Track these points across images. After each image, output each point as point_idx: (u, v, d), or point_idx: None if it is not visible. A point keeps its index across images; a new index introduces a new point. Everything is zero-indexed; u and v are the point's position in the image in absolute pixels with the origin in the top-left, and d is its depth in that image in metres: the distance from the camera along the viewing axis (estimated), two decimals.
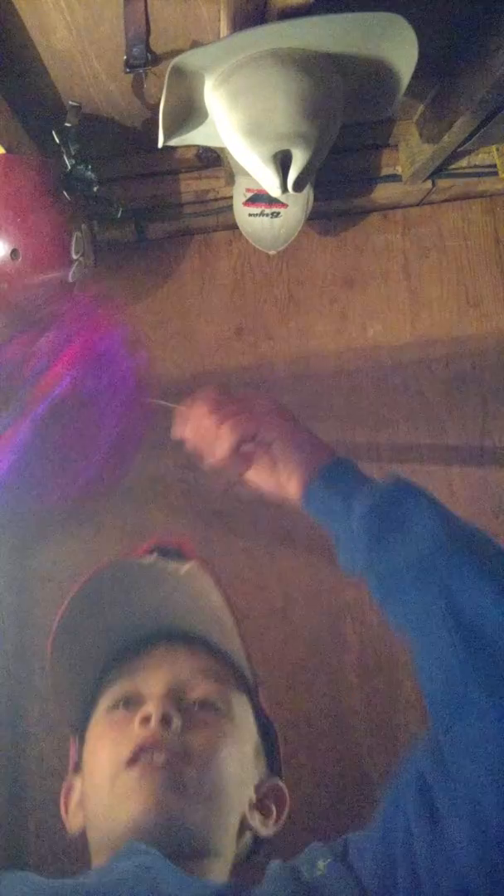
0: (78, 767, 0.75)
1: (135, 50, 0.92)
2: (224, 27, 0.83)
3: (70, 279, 1.06)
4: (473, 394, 1.31)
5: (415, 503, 0.61)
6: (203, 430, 0.69)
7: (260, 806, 0.72)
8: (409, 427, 1.31)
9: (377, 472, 1.33)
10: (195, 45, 0.93)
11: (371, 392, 1.33)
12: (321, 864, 0.58)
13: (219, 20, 0.85)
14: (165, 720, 0.66)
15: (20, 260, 1.00)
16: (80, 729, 0.75)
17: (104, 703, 0.72)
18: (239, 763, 0.70)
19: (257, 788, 0.73)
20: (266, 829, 0.72)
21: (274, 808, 0.74)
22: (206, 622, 0.75)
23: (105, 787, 0.65)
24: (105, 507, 1.30)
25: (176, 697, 0.69)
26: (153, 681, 0.71)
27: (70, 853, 1.19)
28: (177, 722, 0.66)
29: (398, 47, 0.86)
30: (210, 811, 0.65)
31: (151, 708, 0.67)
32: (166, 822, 0.61)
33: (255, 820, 0.71)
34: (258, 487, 0.70)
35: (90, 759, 0.70)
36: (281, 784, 0.75)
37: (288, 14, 0.79)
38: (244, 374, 1.34)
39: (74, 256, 1.05)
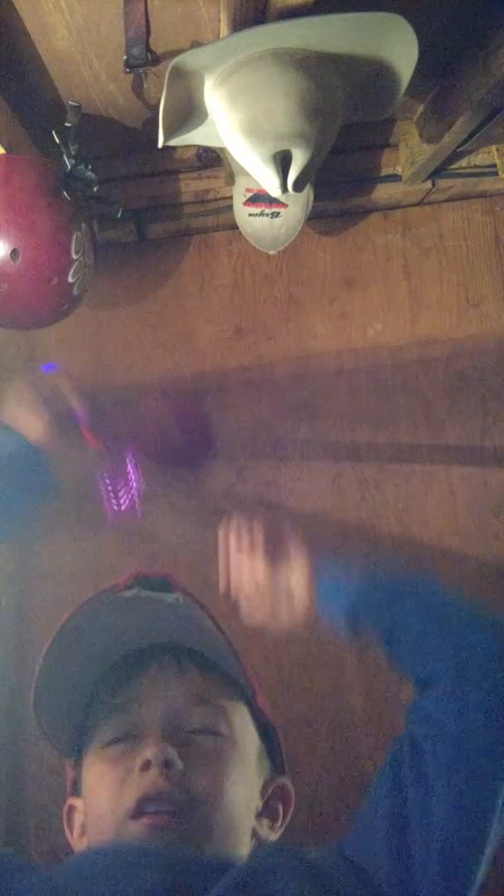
0: (77, 791, 0.73)
1: (135, 50, 0.92)
2: (224, 27, 0.83)
3: (70, 279, 1.06)
4: (473, 394, 1.31)
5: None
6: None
7: (267, 811, 0.71)
8: (409, 427, 1.31)
9: (377, 472, 1.34)
10: (195, 45, 0.93)
11: (371, 392, 1.33)
12: (313, 852, 0.59)
13: (219, 20, 0.85)
14: (167, 765, 0.63)
15: (20, 260, 1.00)
16: (74, 755, 0.73)
17: (99, 736, 0.69)
18: (245, 783, 0.69)
19: (262, 793, 0.72)
20: (274, 832, 0.71)
21: (280, 809, 0.73)
22: (195, 640, 0.73)
23: (110, 837, 0.63)
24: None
25: (173, 730, 0.67)
26: (149, 714, 0.68)
27: (70, 853, 1.19)
28: (178, 765, 0.64)
29: (398, 47, 0.86)
30: (223, 843, 0.64)
31: (150, 752, 0.64)
32: (179, 867, 0.60)
33: (264, 827, 0.70)
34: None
35: (91, 795, 0.68)
36: (285, 782, 0.74)
37: (288, 14, 0.79)
38: (244, 374, 1.34)
39: (74, 256, 1.05)
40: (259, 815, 0.70)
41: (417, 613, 0.69)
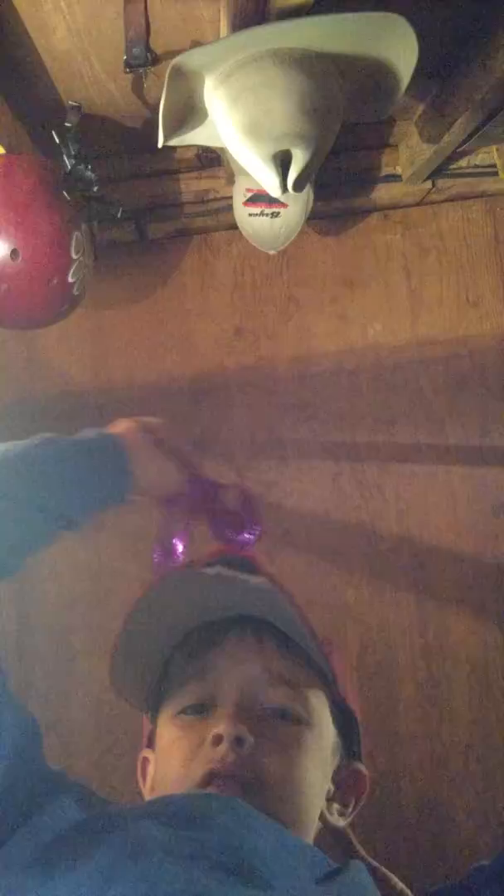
0: (152, 744, 0.73)
1: (135, 50, 0.92)
2: (224, 27, 0.83)
3: (70, 279, 1.06)
4: (473, 394, 1.31)
5: None
6: None
7: (338, 796, 0.70)
8: (409, 427, 1.31)
9: (377, 472, 1.34)
10: (195, 45, 0.93)
11: (371, 392, 1.33)
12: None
13: (219, 20, 0.85)
14: (238, 742, 0.62)
15: (20, 260, 1.00)
16: (151, 711, 0.73)
17: (175, 700, 0.69)
18: (318, 768, 0.67)
19: (335, 777, 0.70)
20: (343, 818, 0.71)
21: (353, 797, 0.72)
22: (276, 617, 0.71)
23: None
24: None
25: (249, 705, 0.66)
26: (226, 685, 0.67)
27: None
28: (250, 743, 0.62)
29: (398, 47, 0.86)
30: (290, 828, 0.63)
31: (222, 728, 0.63)
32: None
33: (333, 812, 0.69)
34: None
35: (163, 758, 0.68)
36: (360, 767, 0.73)
37: (288, 14, 0.79)
38: (244, 374, 1.34)
39: (74, 256, 1.05)
40: (330, 800, 0.69)
41: None
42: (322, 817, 0.68)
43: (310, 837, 0.66)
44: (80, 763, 1.23)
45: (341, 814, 0.70)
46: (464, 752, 1.20)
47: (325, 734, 0.70)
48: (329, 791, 0.69)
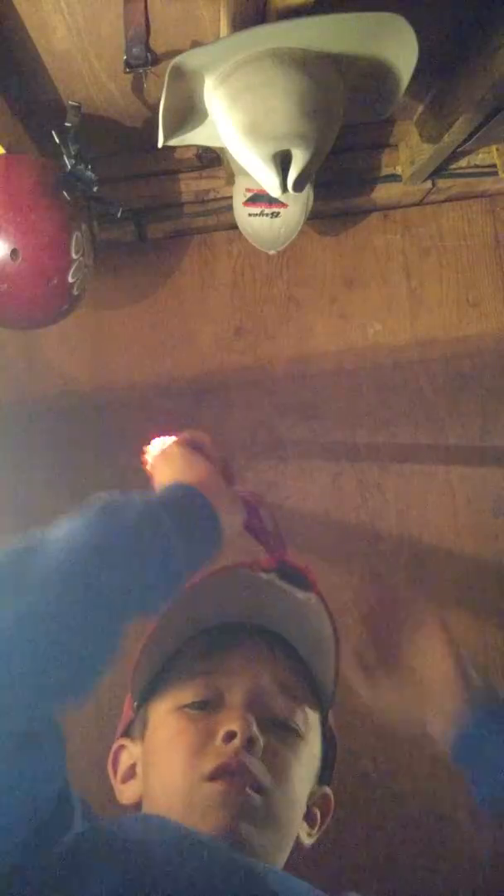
0: (133, 733, 0.73)
1: (135, 50, 0.92)
2: (224, 27, 0.83)
3: (70, 279, 1.06)
4: (473, 394, 1.31)
5: None
6: None
7: (308, 816, 0.72)
8: (409, 427, 1.31)
9: (377, 472, 1.34)
10: (195, 45, 0.92)
11: (371, 392, 1.33)
12: None
13: (219, 20, 0.85)
14: (250, 742, 0.64)
15: (20, 260, 1.00)
16: (143, 697, 0.73)
17: (181, 693, 0.69)
18: (305, 784, 0.70)
19: (309, 798, 0.72)
20: (310, 838, 0.72)
21: (319, 816, 0.73)
22: (298, 637, 0.73)
23: (181, 795, 0.63)
24: None
25: (256, 709, 0.67)
26: (235, 687, 0.68)
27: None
28: (260, 745, 0.64)
29: (398, 47, 0.86)
30: (277, 837, 0.65)
31: (236, 725, 0.64)
32: (237, 846, 0.60)
33: (303, 831, 0.70)
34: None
35: (163, 750, 0.68)
36: (328, 792, 0.75)
37: (288, 14, 0.79)
38: (244, 374, 1.34)
39: (74, 256, 1.05)
40: (301, 820, 0.70)
41: None
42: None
43: (287, 851, 0.67)
44: (81, 763, 1.22)
45: (309, 833, 0.72)
46: None
47: (314, 751, 0.72)
48: (303, 812, 0.70)
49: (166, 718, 0.69)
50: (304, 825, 0.71)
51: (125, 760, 0.73)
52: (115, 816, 0.62)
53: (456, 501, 1.29)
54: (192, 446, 0.69)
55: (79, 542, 0.53)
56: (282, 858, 0.66)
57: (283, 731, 0.68)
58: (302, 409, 1.33)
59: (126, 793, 0.72)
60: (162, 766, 0.67)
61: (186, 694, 0.69)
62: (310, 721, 0.71)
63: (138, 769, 0.71)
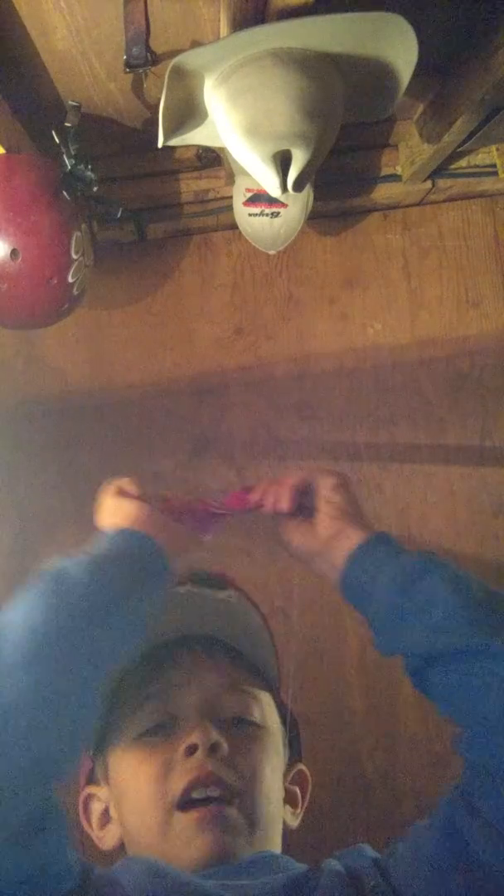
0: (97, 779, 0.72)
1: (135, 50, 0.92)
2: (224, 27, 0.83)
3: (70, 279, 1.06)
4: (473, 394, 1.31)
5: (431, 584, 0.59)
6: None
7: (289, 797, 0.71)
8: (409, 427, 1.31)
9: (377, 473, 1.34)
10: (195, 45, 0.92)
11: (371, 392, 1.33)
12: (368, 883, 0.58)
13: (219, 20, 0.85)
14: (214, 749, 0.63)
15: (20, 260, 1.00)
16: (98, 743, 0.72)
17: (130, 728, 0.68)
18: (277, 772, 0.69)
19: (284, 779, 0.72)
20: (295, 819, 0.72)
21: (299, 795, 0.73)
22: (229, 633, 0.73)
23: (156, 829, 0.62)
24: None
25: (210, 715, 0.67)
26: (185, 703, 0.68)
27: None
28: (224, 748, 0.64)
29: (398, 47, 0.86)
30: (268, 833, 0.65)
31: (195, 737, 0.64)
32: (229, 860, 0.60)
33: (287, 814, 0.70)
34: (295, 548, 0.69)
35: (128, 788, 0.67)
36: (302, 767, 0.75)
37: (288, 14, 0.79)
38: (244, 374, 1.34)
39: (74, 256, 1.05)
40: (284, 802, 0.70)
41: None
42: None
43: (279, 835, 0.67)
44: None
45: (293, 814, 0.72)
46: None
47: (277, 735, 0.72)
48: (283, 796, 0.71)
49: (124, 755, 0.68)
50: (287, 808, 0.71)
51: (96, 808, 0.72)
52: (107, 868, 0.60)
53: (456, 501, 1.29)
54: (121, 493, 0.68)
55: (37, 620, 0.52)
56: (276, 845, 0.66)
57: (242, 727, 0.68)
58: (302, 409, 1.33)
59: (106, 839, 0.71)
60: (132, 803, 0.66)
61: (138, 724, 0.68)
62: (264, 707, 0.71)
63: (112, 813, 0.70)
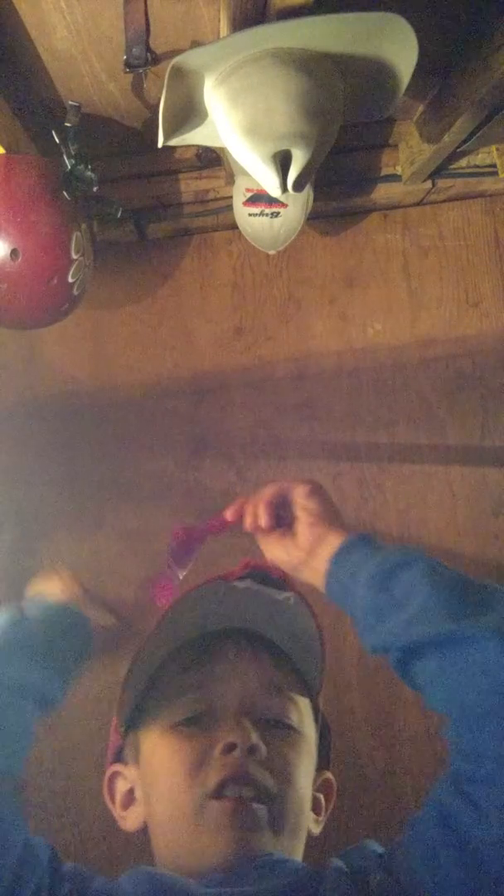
0: (125, 758, 0.73)
1: (135, 50, 0.92)
2: (224, 27, 0.83)
3: (70, 279, 1.06)
4: (473, 394, 1.31)
5: (408, 578, 0.60)
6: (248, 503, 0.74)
7: (314, 804, 0.71)
8: (409, 427, 1.31)
9: (377, 472, 1.34)
10: (195, 45, 0.92)
11: (371, 392, 1.33)
12: (373, 880, 0.58)
13: (219, 20, 0.85)
14: (252, 750, 0.64)
15: (20, 260, 1.00)
16: (130, 721, 0.72)
17: (171, 712, 0.68)
18: (308, 777, 0.69)
19: (313, 786, 0.72)
20: (317, 826, 0.72)
21: (323, 802, 0.73)
22: (278, 634, 0.73)
23: (188, 817, 0.63)
24: (106, 507, 1.30)
25: (249, 714, 0.67)
26: (225, 697, 0.68)
27: (70, 853, 1.19)
28: (263, 750, 0.64)
29: (398, 47, 0.86)
30: (293, 839, 0.65)
31: (235, 736, 0.64)
32: (256, 859, 0.60)
33: (310, 820, 0.70)
34: (280, 563, 0.72)
35: (161, 772, 0.67)
36: (329, 776, 0.75)
37: (288, 14, 0.79)
38: (244, 374, 1.34)
39: (74, 256, 1.05)
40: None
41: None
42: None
43: (302, 843, 0.67)
44: (80, 764, 1.23)
45: (316, 821, 0.72)
46: None
47: (311, 742, 0.71)
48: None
49: (160, 740, 0.68)
50: (311, 815, 0.70)
51: (121, 787, 0.72)
52: (111, 880, 0.61)
53: (456, 501, 1.29)
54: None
55: None
56: (298, 852, 0.66)
57: (280, 730, 0.68)
58: (302, 409, 1.33)
59: (128, 819, 0.71)
60: (163, 789, 0.66)
61: (176, 712, 0.68)
62: (302, 711, 0.71)
63: (137, 794, 0.71)
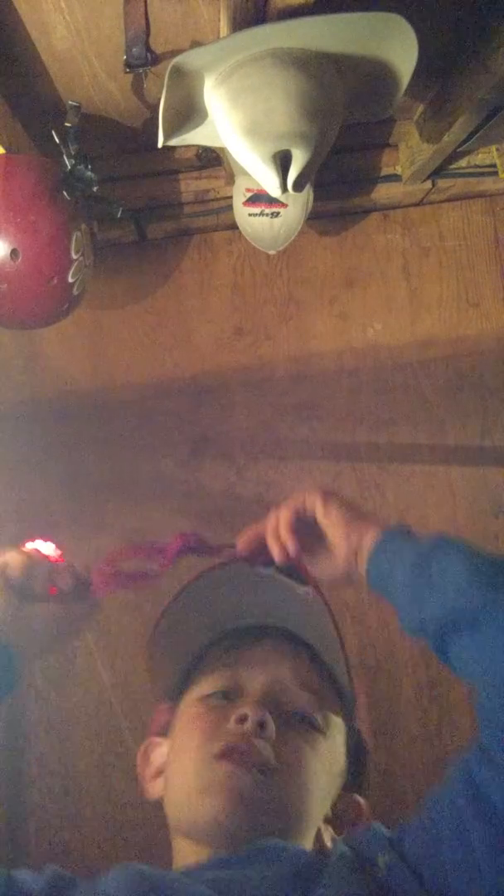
0: (163, 731, 0.75)
1: (135, 50, 0.92)
2: (224, 27, 0.83)
3: (70, 279, 1.06)
4: (473, 394, 1.31)
5: (445, 560, 0.61)
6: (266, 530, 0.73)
7: (334, 822, 0.72)
8: (409, 427, 1.31)
9: (377, 472, 1.34)
10: (195, 45, 0.92)
11: (371, 392, 1.33)
12: (381, 860, 0.58)
13: (219, 20, 0.85)
14: (261, 725, 0.65)
15: (20, 260, 1.00)
16: (173, 697, 0.76)
17: (203, 685, 0.72)
18: (325, 782, 0.70)
19: (335, 803, 0.72)
20: (332, 844, 0.71)
21: (347, 826, 0.72)
22: (314, 635, 0.75)
23: (191, 774, 0.65)
24: (106, 507, 1.30)
25: (274, 702, 0.69)
26: (255, 679, 0.71)
27: (70, 853, 1.19)
28: (272, 729, 0.66)
29: (398, 47, 0.86)
30: (289, 825, 0.65)
31: (249, 709, 0.66)
32: (247, 828, 0.62)
33: (327, 835, 0.70)
34: (319, 574, 0.72)
35: (180, 736, 0.71)
36: (360, 800, 0.75)
37: (288, 14, 0.79)
38: (244, 374, 1.34)
39: (74, 256, 1.05)
40: (326, 821, 0.71)
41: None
42: (318, 837, 0.69)
43: (308, 840, 0.67)
44: (81, 763, 1.23)
45: (332, 838, 0.71)
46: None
47: (336, 753, 0.72)
48: (327, 814, 0.71)
49: (188, 709, 0.72)
50: (329, 828, 0.70)
51: (155, 759, 0.75)
52: (90, 880, 0.61)
53: (456, 501, 1.29)
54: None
55: None
56: (304, 846, 0.67)
57: (301, 724, 0.69)
58: (302, 409, 1.33)
59: (152, 789, 0.74)
60: (179, 750, 0.70)
61: (207, 686, 0.72)
62: (331, 720, 0.72)
63: (164, 766, 0.73)
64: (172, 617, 0.76)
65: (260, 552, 0.72)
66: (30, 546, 0.75)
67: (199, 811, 0.63)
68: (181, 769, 0.68)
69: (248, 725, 0.65)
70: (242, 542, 0.73)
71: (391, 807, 1.20)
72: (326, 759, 0.70)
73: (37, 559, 0.73)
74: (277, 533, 0.70)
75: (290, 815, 0.65)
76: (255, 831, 0.62)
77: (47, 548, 0.76)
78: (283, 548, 0.70)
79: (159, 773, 0.74)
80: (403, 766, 1.21)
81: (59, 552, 0.76)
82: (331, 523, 0.69)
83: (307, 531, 0.70)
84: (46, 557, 0.74)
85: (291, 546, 0.69)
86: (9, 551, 0.73)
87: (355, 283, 1.36)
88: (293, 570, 0.73)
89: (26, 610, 0.69)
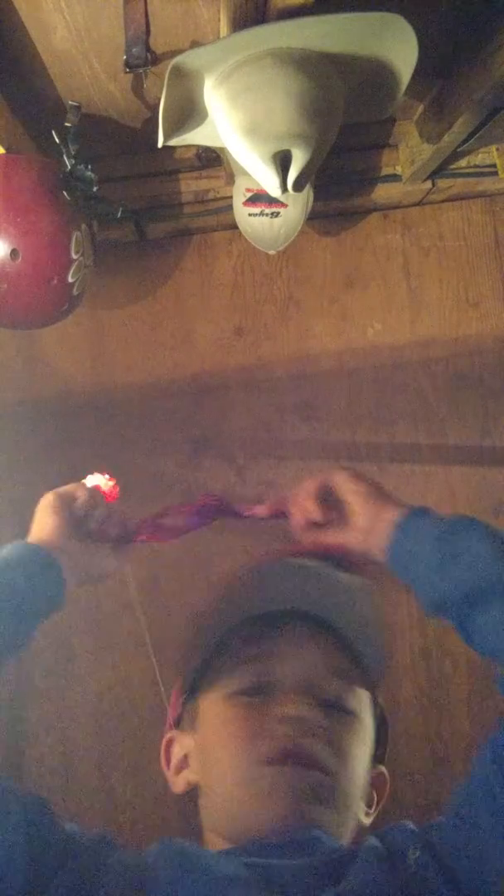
0: (183, 726, 0.74)
1: (135, 50, 0.92)
2: (224, 27, 0.83)
3: (70, 279, 1.06)
4: (473, 394, 1.31)
5: (468, 536, 0.64)
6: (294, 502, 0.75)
7: (366, 795, 0.72)
8: (409, 427, 1.31)
9: (377, 472, 1.34)
10: (195, 45, 0.93)
11: (371, 392, 1.33)
12: (411, 855, 0.58)
13: (219, 20, 0.85)
14: (311, 726, 0.65)
15: (20, 260, 1.00)
16: (191, 690, 0.74)
17: (228, 681, 0.70)
18: (364, 764, 0.70)
19: (366, 777, 0.72)
20: (368, 818, 0.72)
21: (375, 796, 0.74)
22: (344, 619, 0.73)
23: (241, 782, 0.64)
24: None
25: (310, 693, 0.68)
26: (286, 671, 0.69)
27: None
28: (322, 727, 0.65)
29: (398, 47, 0.86)
30: (342, 818, 0.65)
31: (294, 709, 0.65)
32: (303, 830, 0.61)
33: (360, 811, 0.71)
34: (340, 550, 0.73)
35: (213, 739, 0.69)
36: (383, 770, 0.75)
37: (288, 14, 0.79)
38: (244, 374, 1.34)
39: (74, 256, 1.05)
40: (360, 798, 0.71)
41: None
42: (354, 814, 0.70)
43: (351, 829, 0.67)
44: (81, 763, 1.23)
45: (367, 813, 0.72)
46: (464, 752, 1.20)
47: (369, 731, 0.72)
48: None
49: (216, 708, 0.70)
50: (362, 805, 0.71)
51: (177, 752, 0.74)
52: (135, 851, 0.62)
53: (456, 501, 1.29)
54: (62, 500, 0.75)
55: None
56: (347, 837, 0.67)
57: (339, 713, 0.68)
58: (302, 409, 1.33)
59: (179, 783, 0.73)
60: (218, 754, 0.68)
61: (235, 681, 0.69)
62: (362, 701, 0.71)
63: (191, 760, 0.72)
64: (210, 615, 0.75)
65: (281, 517, 0.74)
66: (91, 481, 0.80)
67: (252, 817, 0.62)
68: (223, 777, 0.66)
69: (295, 725, 0.64)
70: (267, 507, 0.75)
71: (391, 807, 1.19)
72: (366, 743, 0.70)
73: (99, 500, 0.76)
74: (299, 500, 0.72)
75: (346, 808, 0.65)
76: (308, 834, 0.61)
77: (105, 483, 0.81)
78: (306, 514, 0.72)
79: (182, 766, 0.73)
80: (403, 766, 1.21)
81: (115, 487, 0.81)
82: (355, 493, 0.71)
83: (330, 507, 0.72)
84: (105, 497, 0.78)
85: (315, 511, 0.71)
86: (79, 487, 0.77)
87: (355, 283, 1.36)
88: (342, 561, 0.73)
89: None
